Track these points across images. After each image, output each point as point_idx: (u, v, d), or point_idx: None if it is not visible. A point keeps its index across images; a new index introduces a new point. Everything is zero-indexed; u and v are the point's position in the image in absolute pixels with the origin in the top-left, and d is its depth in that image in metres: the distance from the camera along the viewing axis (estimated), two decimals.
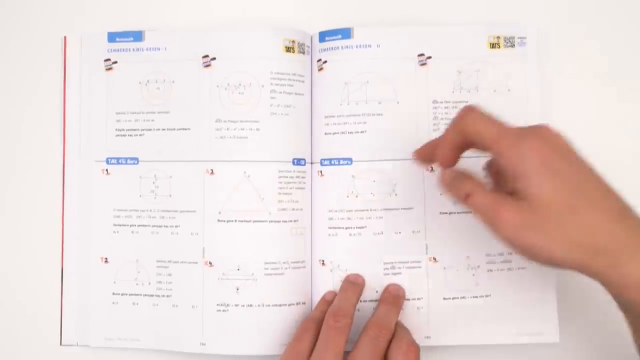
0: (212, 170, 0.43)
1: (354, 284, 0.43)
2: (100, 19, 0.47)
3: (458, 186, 0.36)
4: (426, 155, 0.39)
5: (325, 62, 0.45)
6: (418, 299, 0.44)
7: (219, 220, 0.43)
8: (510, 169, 0.33)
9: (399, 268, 0.44)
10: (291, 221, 0.43)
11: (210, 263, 0.43)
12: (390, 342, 0.39)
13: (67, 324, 0.45)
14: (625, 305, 0.34)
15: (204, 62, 0.44)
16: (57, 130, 0.46)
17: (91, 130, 0.45)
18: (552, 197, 0.32)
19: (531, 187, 0.32)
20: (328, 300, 0.43)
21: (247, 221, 0.43)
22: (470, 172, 0.36)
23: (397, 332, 0.40)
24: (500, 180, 0.37)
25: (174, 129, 0.44)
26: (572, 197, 0.32)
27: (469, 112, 0.34)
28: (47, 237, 0.46)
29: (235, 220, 0.43)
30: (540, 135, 0.33)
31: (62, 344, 0.45)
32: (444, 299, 0.44)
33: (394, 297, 0.43)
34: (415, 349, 0.38)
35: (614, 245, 0.31)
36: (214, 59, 0.44)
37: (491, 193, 0.34)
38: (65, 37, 0.46)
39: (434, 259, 0.44)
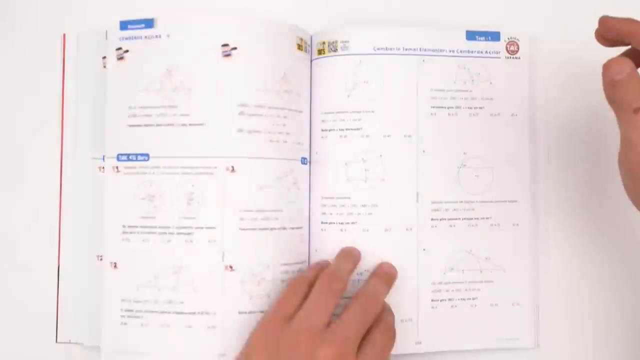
0: (232, 167, 0.41)
1: (350, 254, 0.42)
2: (101, 17, 0.45)
3: (628, 93, 0.32)
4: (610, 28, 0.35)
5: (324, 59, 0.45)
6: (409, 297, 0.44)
7: (240, 220, 0.40)
8: None
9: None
10: (299, 227, 0.43)
11: (231, 267, 0.40)
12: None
13: (63, 321, 0.43)
14: None
15: (223, 52, 0.41)
16: (57, 127, 0.45)
17: (95, 126, 0.43)
18: None
19: None
20: (322, 265, 0.42)
21: (268, 221, 0.41)
22: None
23: (381, 312, 0.39)
24: None
25: (189, 123, 0.41)
26: None
27: None
28: (45, 235, 0.44)
29: (257, 220, 0.41)
30: None
31: (57, 341, 0.44)
32: (432, 300, 0.44)
33: (386, 274, 0.42)
34: (392, 333, 0.38)
35: None
36: (235, 48, 0.41)
37: None
38: (64, 35, 0.45)
39: (425, 258, 0.44)
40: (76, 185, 0.44)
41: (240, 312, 0.40)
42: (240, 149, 0.41)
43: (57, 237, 0.44)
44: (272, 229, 0.41)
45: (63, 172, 0.44)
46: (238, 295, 0.40)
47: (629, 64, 0.32)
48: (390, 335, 0.38)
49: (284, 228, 0.41)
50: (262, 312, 0.40)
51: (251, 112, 0.41)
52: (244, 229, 0.40)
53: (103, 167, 0.41)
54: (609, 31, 0.35)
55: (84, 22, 0.46)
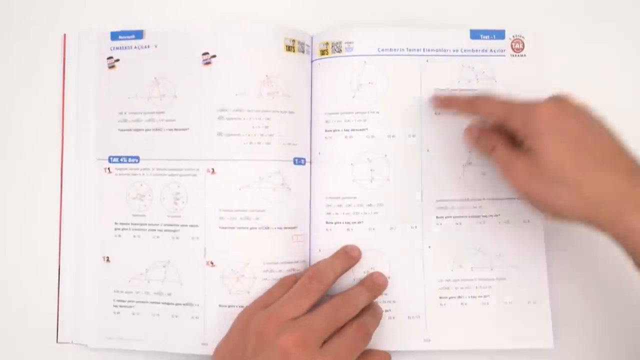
0: (213, 169, 0.43)
1: (347, 255, 0.43)
2: (101, 16, 0.47)
3: (485, 142, 0.40)
4: (443, 103, 0.44)
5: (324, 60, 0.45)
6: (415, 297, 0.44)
7: (220, 219, 0.43)
8: (521, 129, 0.37)
9: (396, 263, 0.44)
10: (291, 226, 0.44)
11: (212, 263, 0.43)
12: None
13: (63, 322, 0.44)
14: (632, 255, 0.35)
15: (204, 60, 0.43)
16: (57, 127, 0.46)
17: (93, 128, 0.45)
18: (558, 153, 0.35)
19: (539, 144, 0.36)
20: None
21: (248, 220, 0.42)
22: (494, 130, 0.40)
23: (361, 314, 0.40)
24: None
25: (175, 128, 0.44)
26: (577, 153, 0.35)
27: (482, 97, 0.40)
28: (45, 235, 0.45)
29: (237, 219, 0.43)
30: (553, 99, 0.37)
31: (58, 341, 0.44)
32: (440, 297, 0.44)
33: (373, 284, 0.42)
34: (365, 333, 0.39)
35: (618, 199, 0.34)
36: (214, 56, 0.43)
37: (511, 149, 0.38)
38: (65, 35, 0.46)
39: (431, 256, 0.44)
40: (77, 185, 0.45)
41: (220, 306, 0.42)
42: (219, 152, 0.43)
43: (57, 237, 0.45)
44: (251, 228, 0.43)
45: (64, 171, 0.45)
46: (218, 290, 0.42)
47: (475, 130, 0.42)
48: (362, 334, 0.38)
49: (268, 227, 0.43)
50: (241, 306, 0.41)
51: (230, 116, 0.43)
52: (223, 228, 0.43)
53: (108, 169, 0.44)
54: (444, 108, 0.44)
55: (84, 22, 0.46)
